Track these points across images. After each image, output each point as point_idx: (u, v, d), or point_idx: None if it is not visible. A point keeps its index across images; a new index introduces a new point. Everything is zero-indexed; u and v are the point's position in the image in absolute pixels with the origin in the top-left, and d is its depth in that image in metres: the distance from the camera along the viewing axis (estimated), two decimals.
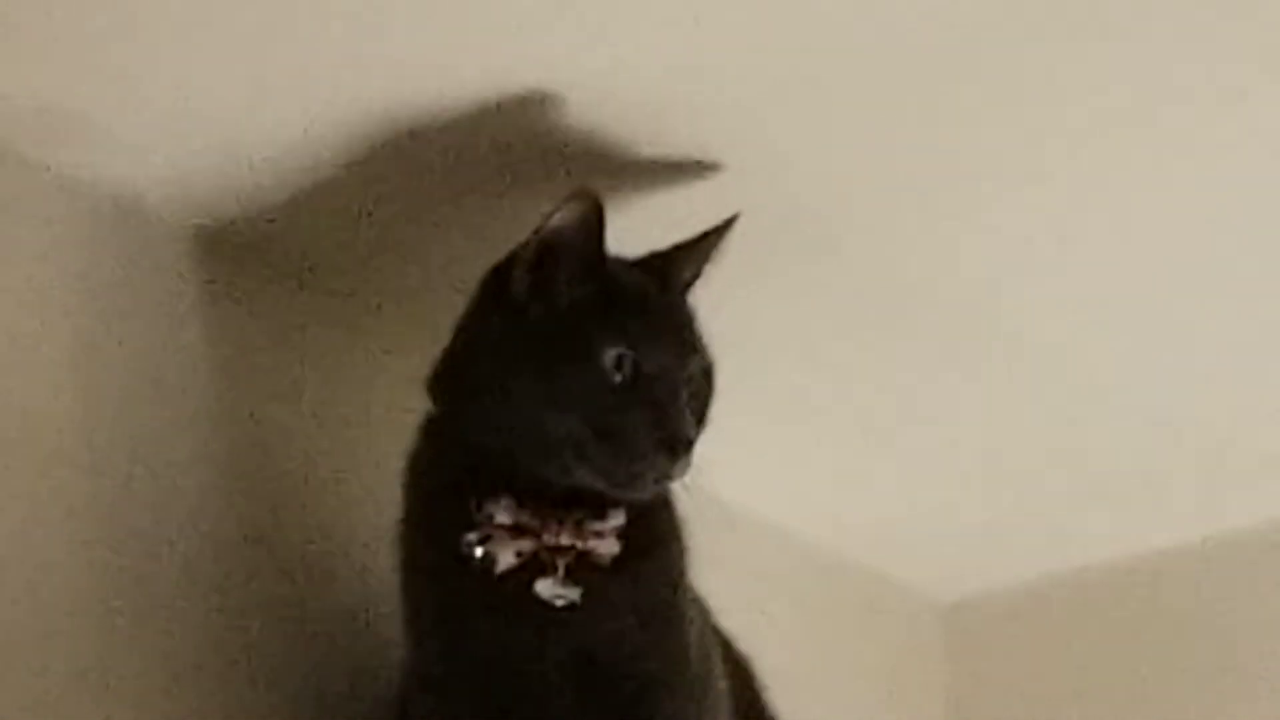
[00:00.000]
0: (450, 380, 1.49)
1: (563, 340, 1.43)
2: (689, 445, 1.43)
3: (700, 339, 1.48)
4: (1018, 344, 1.92)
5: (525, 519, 1.45)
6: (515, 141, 1.53)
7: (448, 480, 1.48)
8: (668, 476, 1.44)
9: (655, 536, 1.50)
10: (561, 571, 1.46)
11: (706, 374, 1.47)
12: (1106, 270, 1.81)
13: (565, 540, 1.46)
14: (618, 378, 1.42)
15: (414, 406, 1.55)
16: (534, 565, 1.46)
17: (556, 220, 1.42)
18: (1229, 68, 1.57)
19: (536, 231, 1.44)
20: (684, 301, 1.50)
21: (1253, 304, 1.91)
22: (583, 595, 1.45)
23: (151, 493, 1.65)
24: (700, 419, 1.46)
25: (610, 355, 1.42)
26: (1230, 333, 1.98)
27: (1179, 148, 1.66)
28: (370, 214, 1.66)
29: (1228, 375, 2.06)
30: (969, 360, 1.96)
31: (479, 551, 1.45)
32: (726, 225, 1.51)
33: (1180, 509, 2.62)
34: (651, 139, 1.54)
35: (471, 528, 1.46)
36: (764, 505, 2.16)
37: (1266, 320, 1.97)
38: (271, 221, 1.67)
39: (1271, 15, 1.49)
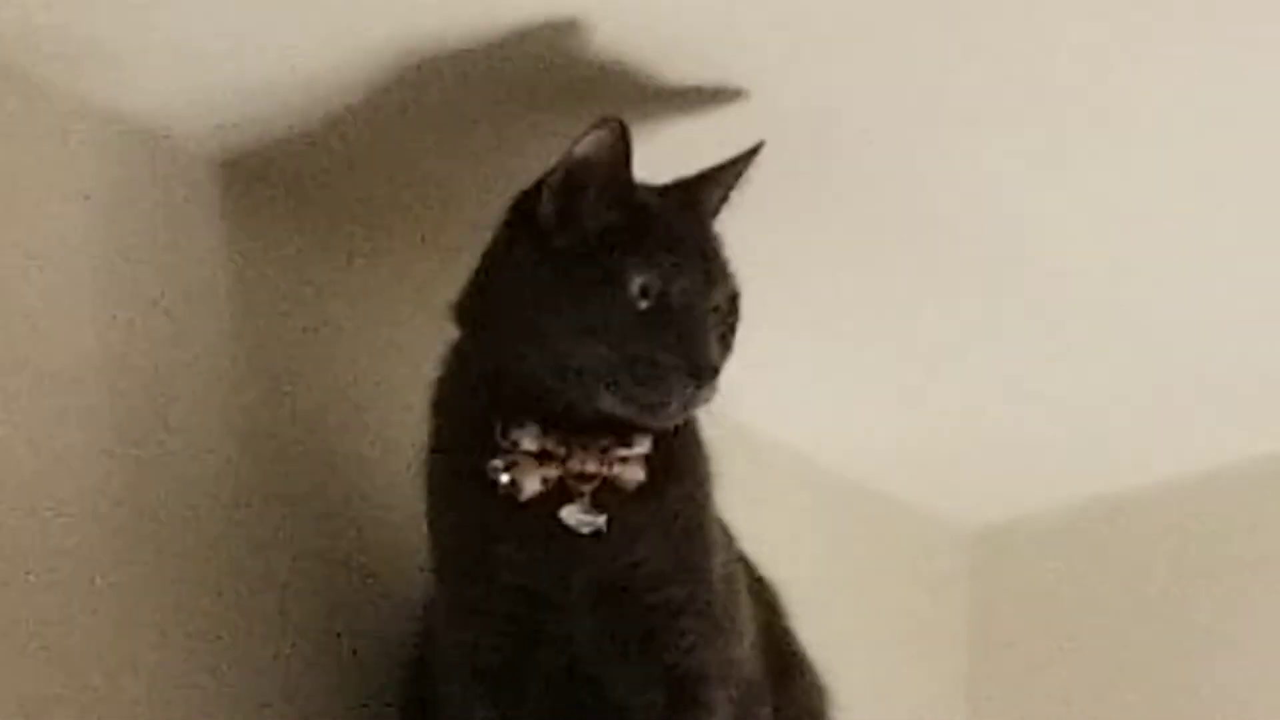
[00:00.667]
0: (476, 307, 1.49)
1: (589, 268, 1.44)
2: (715, 372, 1.44)
3: (726, 266, 1.49)
4: (1042, 271, 1.93)
5: (551, 446, 1.46)
6: (541, 68, 1.54)
7: (473, 407, 1.49)
8: (693, 403, 1.45)
9: (680, 463, 1.51)
10: (587, 498, 1.48)
11: (732, 301, 1.48)
12: (1131, 200, 1.83)
13: (590, 467, 1.47)
14: (644, 305, 1.43)
15: (438, 334, 1.56)
16: (559, 492, 1.47)
17: (583, 148, 1.42)
18: None
19: (563, 159, 1.43)
20: (710, 228, 1.50)
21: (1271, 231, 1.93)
22: (608, 522, 1.47)
23: (179, 413, 1.68)
24: (726, 346, 1.47)
25: (637, 283, 1.43)
26: (1249, 263, 2.00)
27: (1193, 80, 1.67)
28: (394, 143, 1.66)
29: (1253, 301, 2.08)
30: (994, 287, 1.98)
31: (504, 478, 1.46)
32: (752, 153, 1.52)
33: (1206, 437, 2.64)
34: (677, 66, 1.55)
35: (497, 454, 1.47)
36: (789, 432, 2.18)
37: None
38: (295, 152, 1.68)
39: None
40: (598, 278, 1.43)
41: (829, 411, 2.17)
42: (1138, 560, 2.85)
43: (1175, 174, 1.80)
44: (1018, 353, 2.19)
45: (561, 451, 1.46)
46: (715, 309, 1.46)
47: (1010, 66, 1.61)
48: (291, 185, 1.75)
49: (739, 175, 1.51)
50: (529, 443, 1.46)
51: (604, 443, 1.47)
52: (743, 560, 1.61)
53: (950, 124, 1.71)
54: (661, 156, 1.52)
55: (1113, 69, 1.64)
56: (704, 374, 1.43)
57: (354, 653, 1.71)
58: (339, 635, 1.71)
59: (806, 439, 2.21)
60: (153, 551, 1.63)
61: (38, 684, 1.62)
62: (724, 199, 1.51)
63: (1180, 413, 2.54)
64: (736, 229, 1.53)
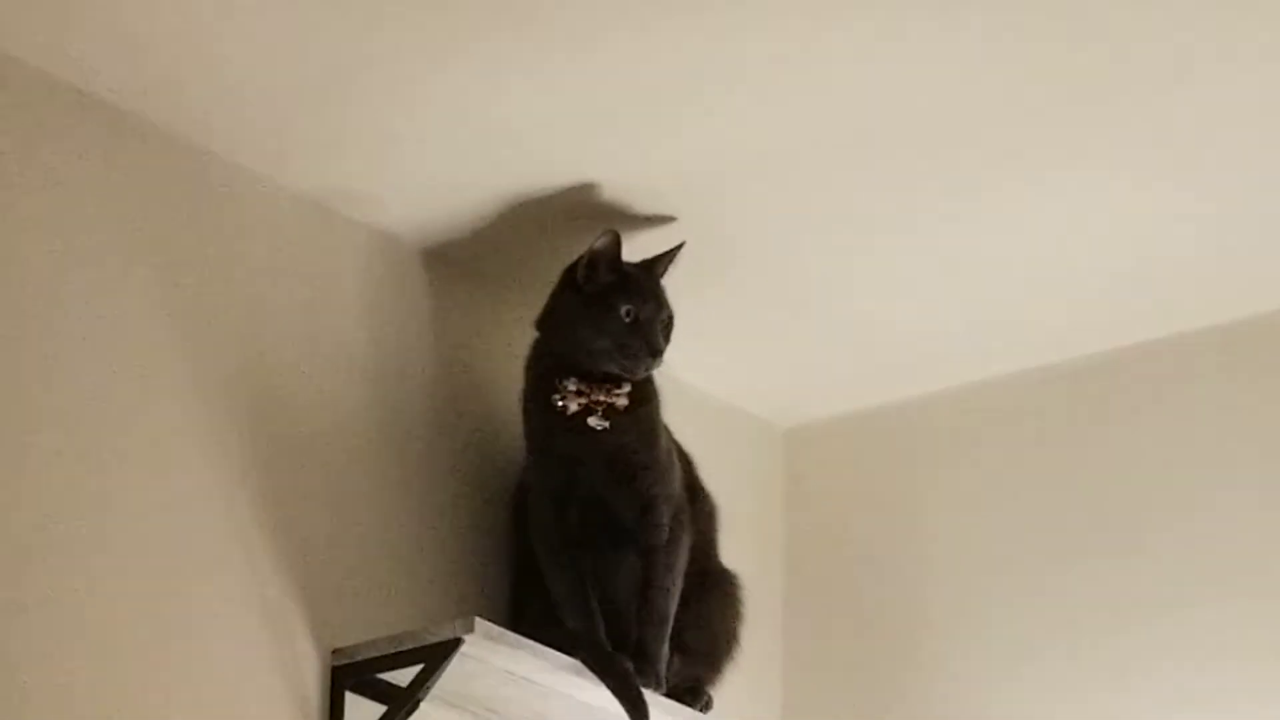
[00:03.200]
0: (545, 321, 2.87)
1: (600, 302, 2.79)
2: (660, 353, 2.81)
3: (666, 302, 2.84)
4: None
5: (583, 387, 2.80)
6: (579, 209, 2.89)
7: (544, 370, 2.85)
8: (650, 368, 2.82)
9: (645, 396, 2.85)
10: (600, 413, 2.81)
11: (669, 319, 2.84)
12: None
13: (602, 397, 2.81)
14: (627, 320, 2.79)
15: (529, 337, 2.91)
16: (587, 410, 2.80)
17: (598, 244, 2.80)
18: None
19: (589, 249, 2.81)
20: (659, 283, 2.85)
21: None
22: (610, 424, 2.81)
23: (407, 417, 2.94)
24: (666, 340, 2.82)
25: (623, 309, 2.78)
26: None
27: None
28: (523, 242, 2.95)
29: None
30: (823, 257, 3.05)
31: (560, 403, 2.81)
32: (678, 248, 2.89)
33: (996, 345, 3.35)
34: (645, 206, 2.88)
35: (556, 392, 2.81)
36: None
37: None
38: (468, 244, 2.96)
39: None
40: (604, 307, 2.79)
41: (689, 341, 3.04)
42: (930, 457, 3.48)
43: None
44: (838, 297, 3.14)
45: (588, 390, 2.79)
46: (662, 322, 2.82)
47: (896, 177, 2.81)
48: (465, 265, 3.01)
49: (672, 258, 2.88)
50: (571, 386, 2.80)
51: (608, 385, 2.80)
52: (676, 444, 2.95)
53: (819, 236, 2.97)
54: (637, 247, 2.88)
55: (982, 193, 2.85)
56: (656, 354, 2.81)
57: (484, 500, 3.00)
58: (483, 484, 2.99)
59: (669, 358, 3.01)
60: (399, 469, 2.90)
61: (322, 526, 2.80)
62: (665, 269, 2.87)
63: (951, 336, 3.31)
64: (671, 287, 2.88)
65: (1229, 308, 3.19)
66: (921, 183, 2.93)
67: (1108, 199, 2.95)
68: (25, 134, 2.65)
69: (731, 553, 3.16)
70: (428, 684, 2.77)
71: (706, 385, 3.41)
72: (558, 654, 2.82)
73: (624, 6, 2.53)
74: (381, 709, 2.82)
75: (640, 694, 2.80)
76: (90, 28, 2.58)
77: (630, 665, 2.83)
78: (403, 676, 2.80)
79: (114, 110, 2.72)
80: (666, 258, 2.88)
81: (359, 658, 2.81)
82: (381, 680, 2.82)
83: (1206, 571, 3.18)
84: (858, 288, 3.17)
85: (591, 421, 2.83)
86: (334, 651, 2.81)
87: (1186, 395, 3.27)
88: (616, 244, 2.80)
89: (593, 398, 2.84)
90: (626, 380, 2.84)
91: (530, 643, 2.80)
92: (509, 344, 3.05)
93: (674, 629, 2.91)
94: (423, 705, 2.82)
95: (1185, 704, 3.14)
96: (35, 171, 2.66)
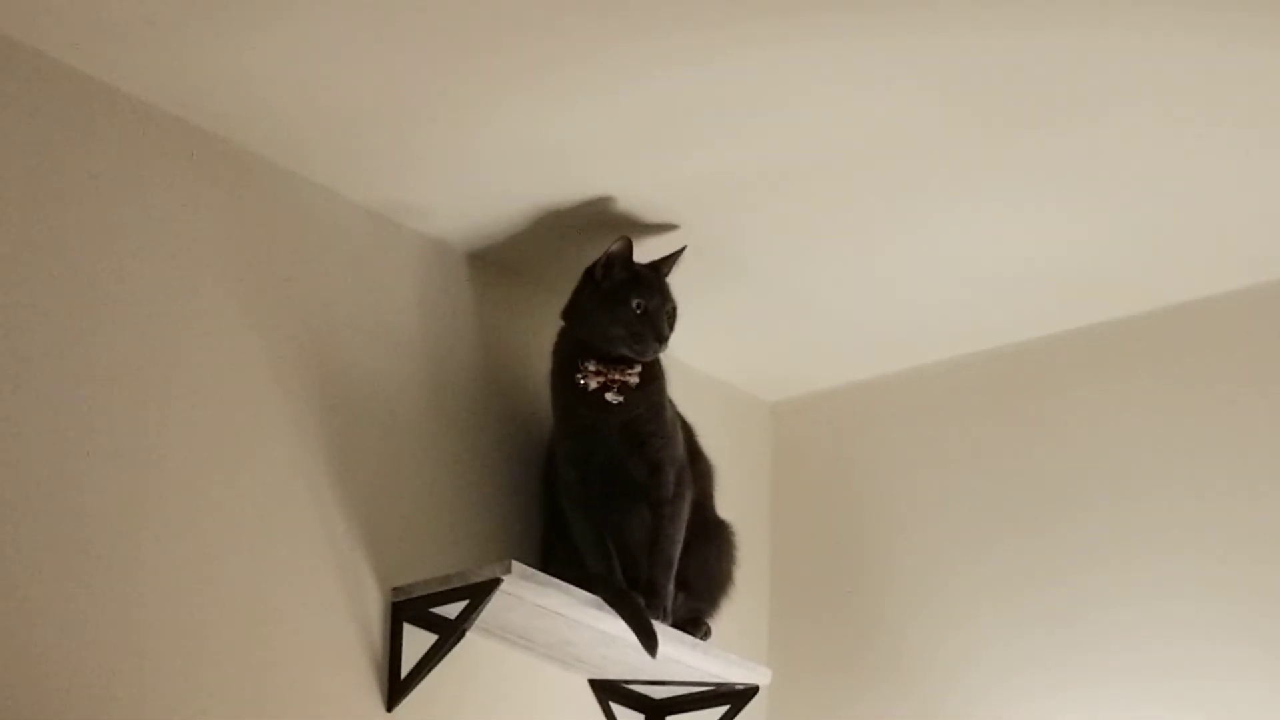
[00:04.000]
0: (570, 312, 3.13)
1: (615, 296, 3.06)
2: (665, 339, 3.09)
3: (671, 295, 3.10)
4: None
5: (600, 368, 3.07)
6: (599, 217, 3.15)
7: (568, 353, 3.11)
8: (657, 352, 3.09)
9: (653, 374, 3.11)
10: (615, 389, 3.08)
11: (673, 311, 3.12)
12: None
13: (617, 376, 3.07)
14: (638, 311, 3.05)
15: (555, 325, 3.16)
16: (604, 387, 3.06)
17: (614, 248, 3.08)
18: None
19: (606, 252, 3.07)
20: (665, 280, 3.12)
21: None
22: (624, 399, 3.08)
23: (454, 393, 3.17)
24: (671, 329, 3.09)
25: (634, 302, 3.06)
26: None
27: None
28: (549, 246, 3.20)
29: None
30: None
31: (582, 382, 3.08)
32: (680, 251, 3.17)
33: (972, 325, 3.42)
34: (656, 215, 3.18)
35: (578, 372, 3.07)
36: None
37: None
38: (506, 248, 3.21)
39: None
40: (619, 301, 3.06)
41: (692, 329, 3.26)
42: (908, 431, 3.58)
43: None
44: (809, 276, 3.25)
45: (605, 370, 3.06)
46: (667, 313, 3.09)
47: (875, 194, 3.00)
48: (505, 267, 3.25)
49: (676, 259, 3.15)
50: (591, 367, 3.06)
51: (622, 366, 3.06)
52: (679, 415, 3.23)
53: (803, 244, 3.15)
54: (647, 249, 3.14)
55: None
56: (662, 340, 3.08)
57: (519, 462, 3.26)
58: (517, 450, 3.26)
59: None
60: (448, 437, 3.15)
61: (383, 485, 3.02)
62: (670, 268, 3.14)
63: (911, 325, 3.42)
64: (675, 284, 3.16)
65: (1140, 302, 3.35)
66: (880, 197, 3.13)
67: (1033, 210, 3.13)
68: (138, 161, 2.87)
69: (727, 507, 3.37)
70: (472, 616, 2.97)
71: (705, 366, 3.62)
72: (581, 591, 3.04)
73: (641, 55, 2.78)
74: (433, 638, 3.03)
75: (650, 624, 3.03)
76: (203, 67, 2.79)
77: (642, 600, 3.06)
78: (451, 610, 3.01)
79: (216, 138, 2.95)
80: (672, 259, 3.16)
81: (415, 594, 3.02)
82: (433, 613, 3.03)
83: (1132, 529, 3.30)
84: (832, 284, 3.36)
85: (608, 397, 3.09)
86: (393, 589, 3.03)
87: (1111, 378, 3.38)
88: (629, 248, 3.08)
89: (609, 376, 3.08)
90: (637, 362, 3.09)
91: (558, 582, 3.01)
92: (539, 332, 3.28)
93: (678, 570, 3.13)
94: (468, 634, 3.04)
95: (1113, 640, 3.27)
96: (148, 193, 2.87)
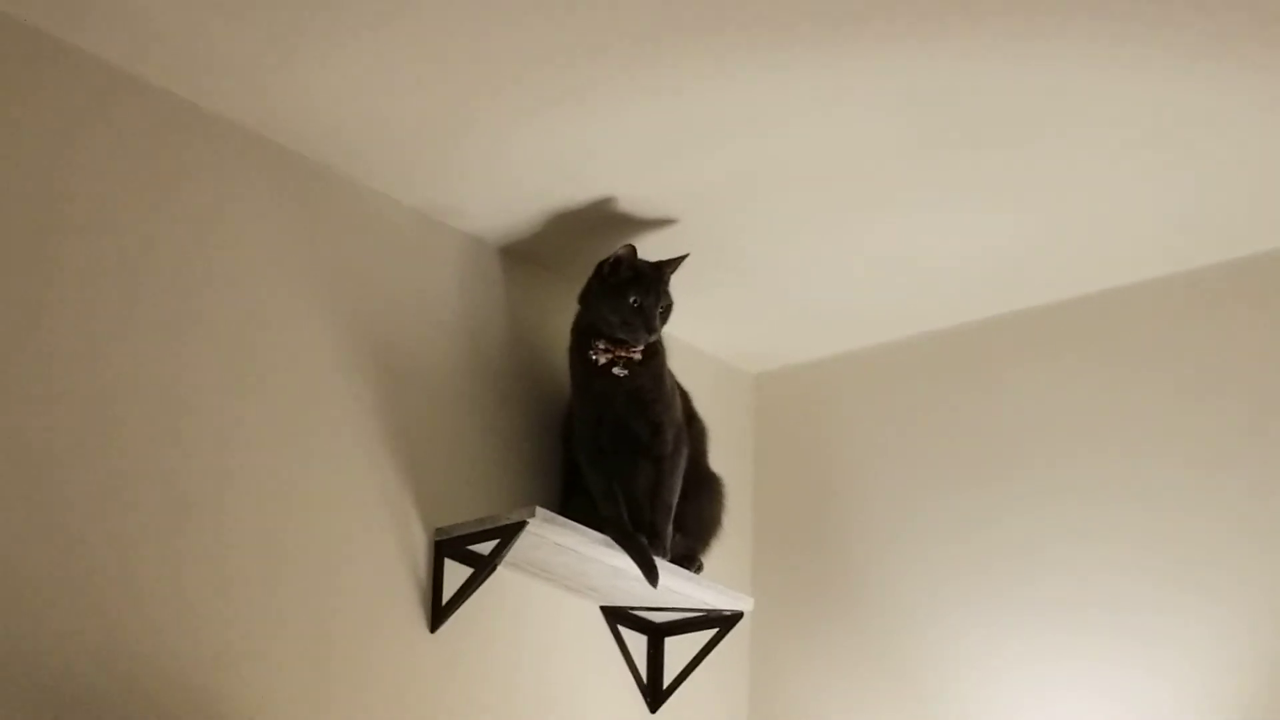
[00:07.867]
0: (583, 300, 3.44)
1: (616, 292, 3.36)
2: (655, 330, 3.36)
3: (667, 294, 3.40)
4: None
5: (609, 346, 3.38)
6: (612, 215, 3.45)
7: (583, 333, 3.42)
8: (647, 340, 3.36)
9: (654, 350, 3.42)
10: (621, 364, 3.40)
11: (667, 308, 3.40)
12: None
13: (623, 353, 3.39)
14: (634, 306, 3.34)
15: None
16: (613, 362, 3.39)
17: (620, 251, 3.38)
18: None
19: (614, 253, 3.35)
20: (663, 281, 3.39)
21: None
22: (629, 371, 3.40)
23: (489, 366, 3.43)
24: (664, 321, 3.37)
25: (632, 298, 3.35)
26: None
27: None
28: (570, 241, 3.48)
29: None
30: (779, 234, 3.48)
31: (594, 357, 3.39)
32: (683, 257, 3.47)
33: (926, 309, 3.66)
34: (657, 215, 3.47)
35: (591, 349, 3.40)
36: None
37: None
38: (533, 243, 3.49)
39: None
40: (619, 296, 3.35)
41: (688, 310, 3.51)
42: (886, 403, 3.78)
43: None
44: (790, 266, 3.48)
45: (613, 348, 3.37)
46: (661, 310, 3.38)
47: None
48: (532, 259, 3.52)
49: (678, 263, 3.43)
50: (601, 345, 3.38)
51: (627, 344, 3.37)
52: (677, 384, 3.51)
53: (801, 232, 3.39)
54: (649, 251, 3.41)
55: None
56: (651, 331, 3.37)
57: (542, 424, 3.55)
58: (541, 413, 3.54)
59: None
60: (483, 402, 3.41)
61: (429, 442, 3.28)
62: (672, 270, 3.41)
63: (877, 307, 3.66)
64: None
65: (1065, 290, 3.60)
66: (848, 201, 3.42)
67: (976, 213, 3.43)
68: (223, 174, 3.16)
69: (716, 462, 3.65)
70: (502, 553, 3.26)
71: (699, 342, 3.90)
72: (594, 532, 3.33)
73: (642, 85, 3.08)
74: (469, 571, 3.33)
75: (652, 560, 3.35)
76: (282, 93, 3.08)
77: (645, 540, 3.37)
78: (485, 548, 3.30)
79: (289, 152, 3.25)
80: (674, 263, 3.48)
81: (454, 534, 3.30)
82: (470, 550, 3.32)
83: (1063, 481, 3.54)
84: (807, 273, 3.66)
85: (616, 370, 3.43)
86: (436, 530, 3.32)
87: (1044, 353, 3.61)
88: (633, 253, 3.41)
89: (617, 353, 3.43)
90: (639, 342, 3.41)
91: (575, 524, 3.31)
92: (560, 314, 3.57)
93: (676, 515, 3.45)
94: (499, 568, 3.33)
95: (1050, 575, 3.50)
96: (233, 202, 3.16)
